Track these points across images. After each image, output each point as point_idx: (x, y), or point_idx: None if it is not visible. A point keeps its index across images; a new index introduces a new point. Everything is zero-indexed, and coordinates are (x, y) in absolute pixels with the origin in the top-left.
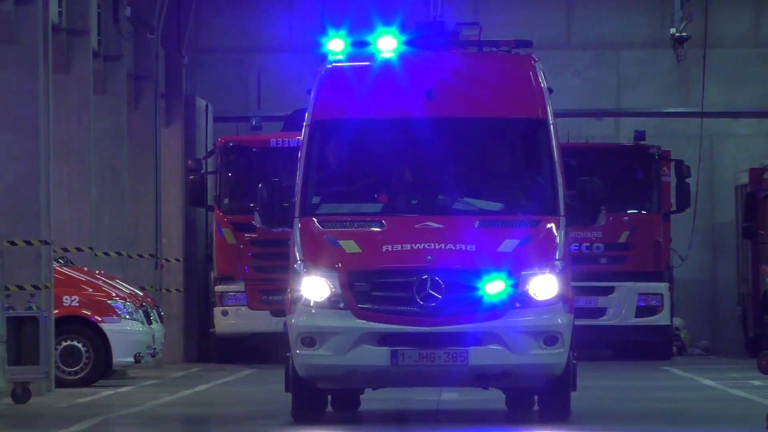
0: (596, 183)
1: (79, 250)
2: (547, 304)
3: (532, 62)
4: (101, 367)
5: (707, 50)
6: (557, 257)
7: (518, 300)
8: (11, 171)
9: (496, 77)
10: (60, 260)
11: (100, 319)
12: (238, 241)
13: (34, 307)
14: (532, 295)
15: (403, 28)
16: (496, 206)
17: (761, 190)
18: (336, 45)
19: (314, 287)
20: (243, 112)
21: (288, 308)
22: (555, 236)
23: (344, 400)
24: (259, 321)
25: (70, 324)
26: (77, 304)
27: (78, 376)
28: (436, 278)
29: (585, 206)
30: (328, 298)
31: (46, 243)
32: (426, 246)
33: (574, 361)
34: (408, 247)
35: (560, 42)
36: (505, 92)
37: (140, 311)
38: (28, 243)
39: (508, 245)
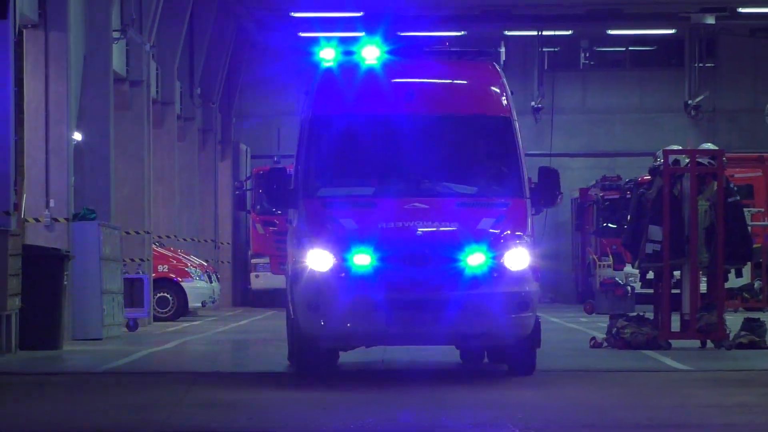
0: (554, 171)
1: (167, 237)
2: (520, 274)
3: (497, 68)
4: (181, 309)
5: (554, 115)
6: (527, 234)
7: (495, 270)
8: (126, 187)
9: (467, 80)
10: (156, 243)
11: (180, 279)
12: (266, 232)
13: (140, 272)
14: (507, 267)
15: (385, 39)
16: (472, 190)
17: (586, 201)
18: (327, 53)
19: (318, 259)
20: (269, 152)
21: (292, 277)
22: (524, 216)
23: (328, 354)
24: (278, 281)
25: (162, 282)
26: (167, 270)
27: (167, 315)
28: (425, 252)
29: (547, 190)
30: (331, 269)
31: (147, 232)
32: (415, 224)
33: (539, 321)
34: (400, 224)
35: None
36: (475, 93)
37: (205, 274)
38: (137, 232)
39: (485, 223)
